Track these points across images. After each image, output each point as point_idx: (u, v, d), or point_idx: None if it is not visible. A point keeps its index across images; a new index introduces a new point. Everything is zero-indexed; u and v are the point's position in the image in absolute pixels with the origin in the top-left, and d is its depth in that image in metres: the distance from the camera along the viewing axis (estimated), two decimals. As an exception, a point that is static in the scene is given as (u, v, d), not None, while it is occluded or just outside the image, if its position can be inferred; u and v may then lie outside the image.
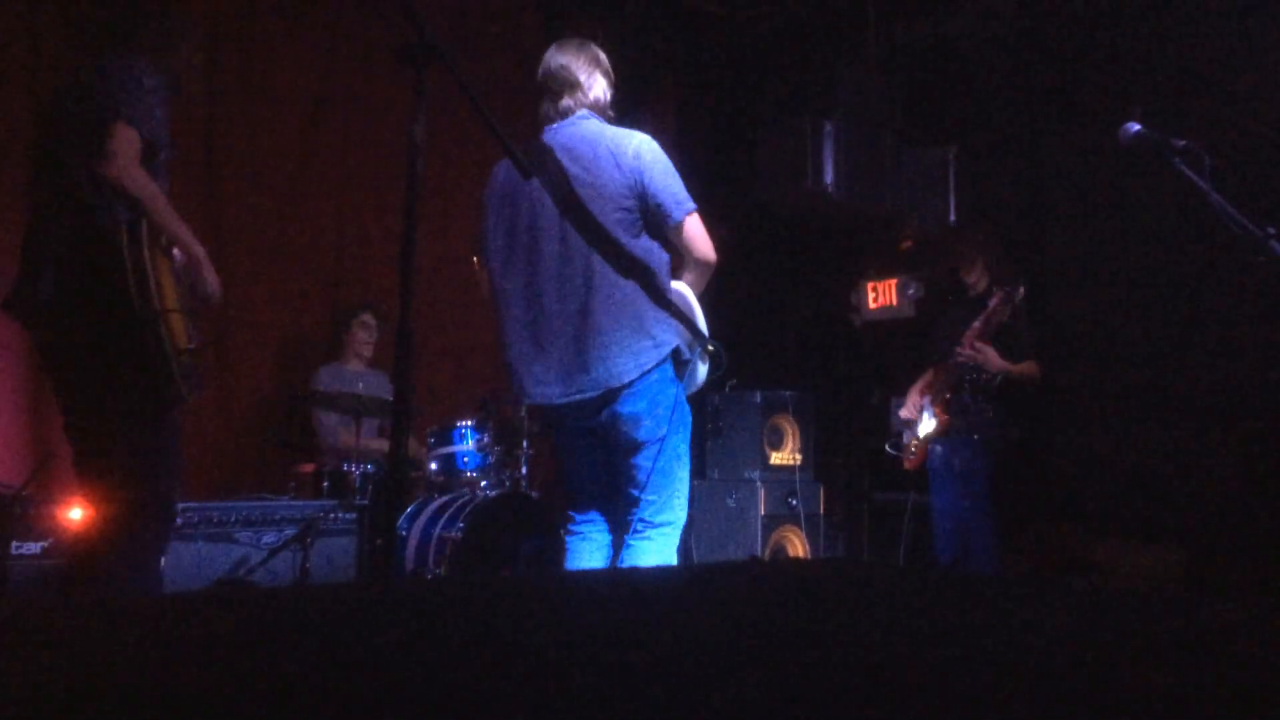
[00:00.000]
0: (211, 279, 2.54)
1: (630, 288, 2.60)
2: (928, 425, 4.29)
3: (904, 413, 4.41)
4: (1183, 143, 2.45)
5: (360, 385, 4.56)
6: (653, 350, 2.61)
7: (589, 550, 2.82)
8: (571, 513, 2.89)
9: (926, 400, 4.30)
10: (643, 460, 2.66)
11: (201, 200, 4.58)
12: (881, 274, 5.51)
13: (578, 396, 2.60)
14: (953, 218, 4.97)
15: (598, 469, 2.80)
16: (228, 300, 4.42)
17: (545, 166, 2.63)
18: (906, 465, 4.42)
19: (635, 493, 2.69)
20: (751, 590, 1.57)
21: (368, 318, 4.79)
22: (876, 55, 5.15)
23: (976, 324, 4.08)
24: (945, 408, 4.22)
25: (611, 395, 2.59)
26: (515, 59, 5.63)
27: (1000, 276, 4.25)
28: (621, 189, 2.60)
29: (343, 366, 4.75)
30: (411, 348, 1.86)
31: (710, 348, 2.75)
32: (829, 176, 4.65)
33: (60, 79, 2.64)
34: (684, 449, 2.74)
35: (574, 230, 2.60)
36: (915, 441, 4.34)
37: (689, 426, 2.76)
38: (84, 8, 2.63)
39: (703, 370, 2.79)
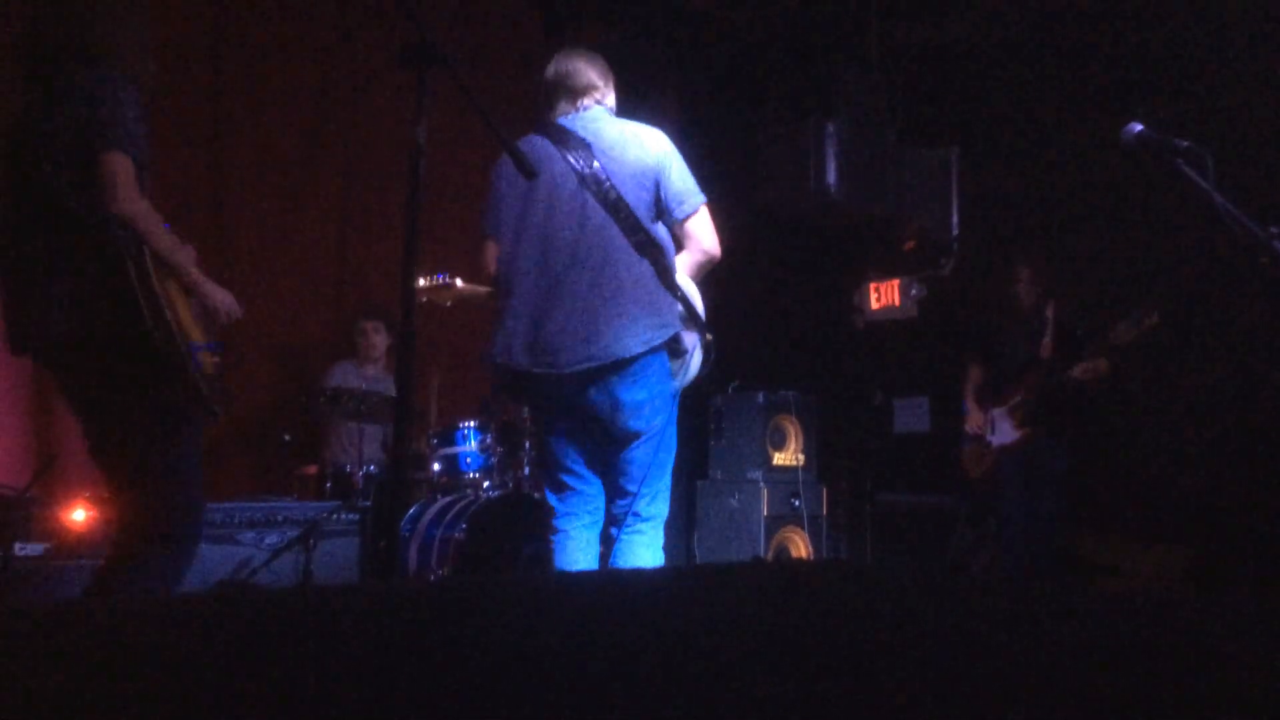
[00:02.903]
0: (218, 299, 2.47)
1: (643, 267, 2.65)
2: (1004, 435, 4.31)
3: (970, 428, 4.46)
4: (1185, 143, 2.45)
5: (364, 386, 4.57)
6: (660, 330, 2.64)
7: (573, 549, 2.81)
8: (554, 503, 2.85)
9: (999, 412, 4.33)
10: (638, 455, 2.69)
11: (205, 202, 4.60)
12: (884, 274, 5.50)
13: (582, 365, 2.60)
14: (954, 219, 4.97)
15: (585, 451, 2.80)
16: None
17: (569, 143, 2.70)
18: (972, 474, 4.46)
19: (630, 487, 2.71)
20: (754, 591, 1.57)
21: (365, 324, 4.80)
22: (878, 56, 5.14)
23: (1047, 339, 4.16)
24: (1025, 418, 4.23)
25: (616, 368, 2.60)
26: (516, 61, 5.64)
27: (1047, 287, 4.33)
28: (644, 171, 2.68)
29: (355, 366, 4.77)
30: (413, 348, 1.86)
31: (709, 336, 2.81)
32: (831, 177, 4.65)
33: (17, 95, 2.47)
34: (674, 443, 2.78)
35: (593, 205, 2.64)
36: (986, 450, 4.38)
37: (676, 420, 2.80)
38: (41, 22, 2.46)
39: (697, 362, 2.81)
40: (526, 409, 4.45)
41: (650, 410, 2.66)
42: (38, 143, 2.31)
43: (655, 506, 2.74)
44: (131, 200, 2.23)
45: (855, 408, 5.73)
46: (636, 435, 2.67)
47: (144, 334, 2.24)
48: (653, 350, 2.63)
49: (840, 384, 5.76)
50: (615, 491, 2.76)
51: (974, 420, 4.43)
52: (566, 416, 2.76)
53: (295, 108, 4.93)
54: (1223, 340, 4.28)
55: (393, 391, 4.58)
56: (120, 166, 2.23)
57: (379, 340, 4.83)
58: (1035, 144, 5.05)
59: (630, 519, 2.70)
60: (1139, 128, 2.56)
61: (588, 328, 2.59)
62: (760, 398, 5.02)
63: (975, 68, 5.23)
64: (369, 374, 4.76)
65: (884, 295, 5.52)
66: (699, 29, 5.77)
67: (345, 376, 4.66)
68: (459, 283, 3.31)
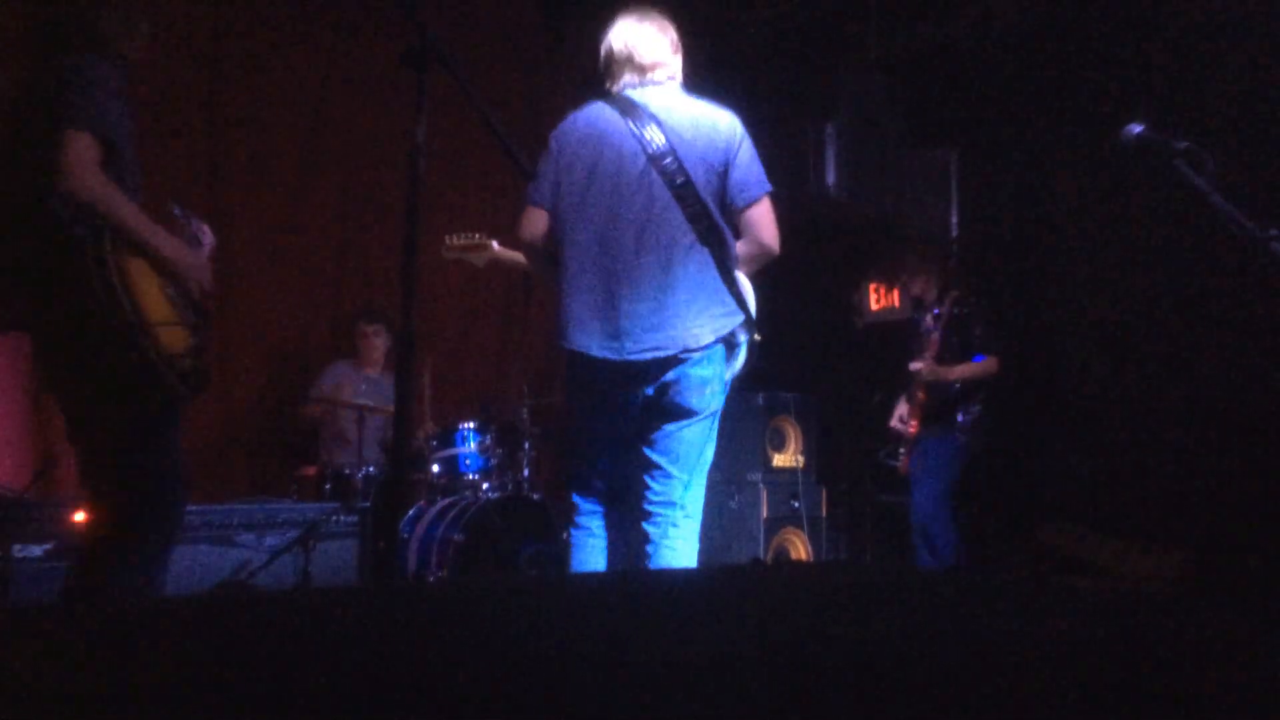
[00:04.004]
0: (197, 276, 2.43)
1: (707, 254, 2.57)
2: (907, 433, 4.48)
3: (892, 424, 4.56)
4: (1184, 144, 2.45)
5: (363, 387, 4.57)
6: (725, 318, 2.58)
7: (595, 548, 2.74)
8: (577, 499, 2.75)
9: (908, 410, 4.47)
10: (690, 435, 2.61)
11: (204, 203, 4.59)
12: (884, 275, 5.51)
13: (651, 354, 2.52)
14: (954, 219, 4.98)
15: (619, 454, 2.70)
16: (230, 302, 4.45)
17: (637, 118, 2.60)
18: (900, 471, 4.55)
19: (676, 469, 2.62)
20: (754, 593, 1.57)
21: (365, 327, 4.79)
22: (878, 57, 5.15)
23: (936, 335, 4.25)
24: (917, 416, 4.38)
25: (684, 356, 2.53)
26: (516, 61, 5.64)
27: (946, 287, 4.39)
28: (714, 155, 2.60)
29: (353, 367, 4.76)
30: (413, 350, 1.86)
31: (757, 336, 2.74)
32: (831, 178, 4.67)
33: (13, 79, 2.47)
34: (715, 440, 2.71)
35: (660, 187, 2.56)
36: (903, 449, 4.52)
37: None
38: (39, 12, 2.47)
39: (741, 359, 2.74)
40: (526, 409, 4.46)
41: (711, 392, 2.59)
42: (17, 129, 2.32)
43: (697, 502, 2.65)
44: (83, 178, 2.18)
45: (854, 409, 5.72)
46: (692, 414, 2.59)
47: (100, 321, 2.22)
48: (719, 339, 2.58)
49: (840, 385, 5.76)
50: (654, 474, 2.64)
51: (895, 417, 4.52)
52: (612, 408, 2.65)
53: (295, 108, 4.92)
54: (1221, 340, 4.28)
55: (391, 395, 4.58)
56: (77, 144, 2.18)
57: (379, 343, 4.82)
58: (1035, 144, 5.05)
59: (676, 509, 2.61)
60: (1139, 128, 2.55)
61: (658, 315, 2.52)
62: (760, 399, 5.01)
63: (975, 68, 5.22)
64: (368, 376, 4.75)
65: (883, 296, 5.53)
66: (698, 29, 5.77)
67: (342, 376, 4.65)
68: (495, 245, 3.24)
